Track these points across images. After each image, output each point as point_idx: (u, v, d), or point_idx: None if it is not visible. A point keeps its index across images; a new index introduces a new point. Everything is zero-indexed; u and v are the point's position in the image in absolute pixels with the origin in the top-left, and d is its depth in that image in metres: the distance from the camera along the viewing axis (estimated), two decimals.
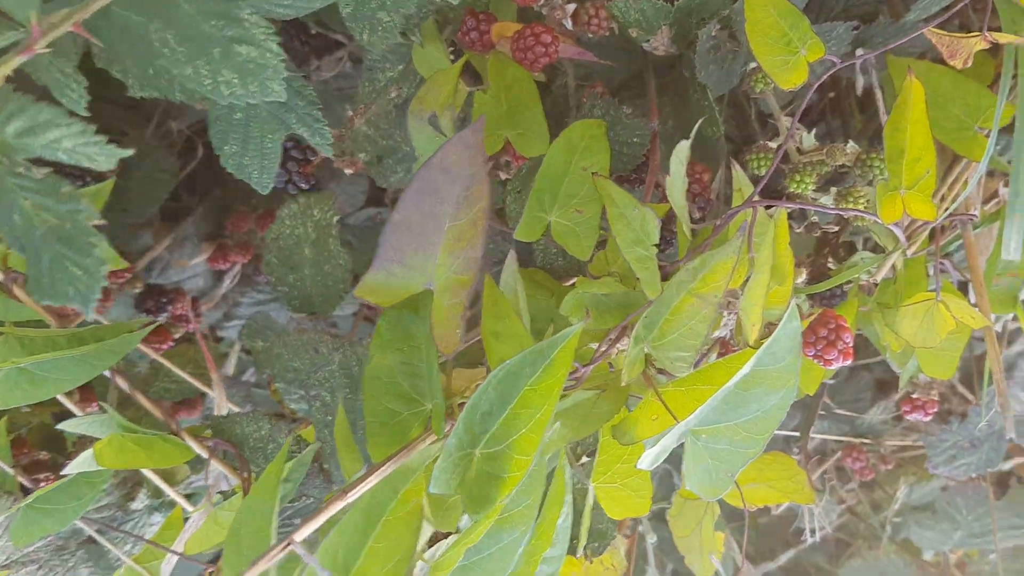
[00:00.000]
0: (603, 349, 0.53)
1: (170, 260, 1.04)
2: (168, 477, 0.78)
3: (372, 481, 0.49)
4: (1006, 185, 0.73)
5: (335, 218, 0.84)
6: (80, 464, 0.62)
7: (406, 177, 0.81)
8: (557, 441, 0.55)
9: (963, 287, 0.80)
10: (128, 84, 0.43)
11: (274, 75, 0.39)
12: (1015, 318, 0.74)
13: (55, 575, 0.73)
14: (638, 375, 0.54)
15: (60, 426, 0.64)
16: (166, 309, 0.94)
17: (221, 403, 0.74)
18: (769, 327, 0.55)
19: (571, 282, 0.64)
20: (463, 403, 0.54)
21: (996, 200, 0.74)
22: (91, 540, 0.77)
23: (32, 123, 0.33)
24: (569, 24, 0.61)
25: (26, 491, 0.70)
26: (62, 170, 0.37)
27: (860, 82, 0.70)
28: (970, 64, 0.51)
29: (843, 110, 0.88)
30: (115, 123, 1.04)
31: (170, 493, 0.69)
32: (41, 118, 0.33)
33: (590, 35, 0.63)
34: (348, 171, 0.65)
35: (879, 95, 0.66)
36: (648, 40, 0.62)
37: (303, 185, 0.62)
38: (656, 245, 0.52)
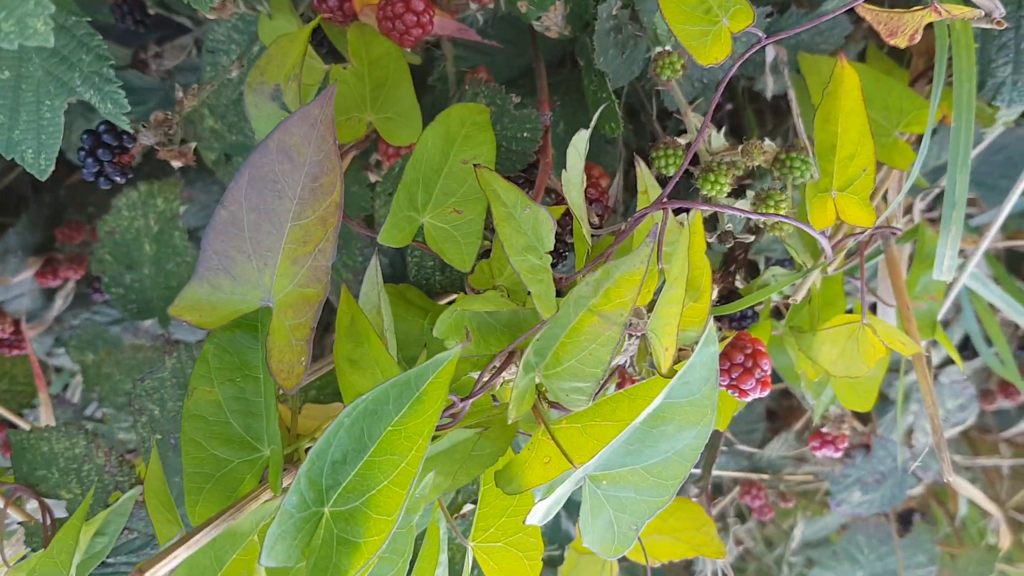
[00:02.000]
0: (486, 379, 0.43)
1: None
2: None
3: (190, 549, 0.38)
4: (922, 199, 0.68)
5: (181, 207, 0.73)
6: None
7: None
8: (430, 494, 0.44)
9: (872, 309, 0.74)
10: None
11: (38, 10, 0.28)
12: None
13: None
14: (527, 411, 0.44)
15: None
16: None
17: (48, 419, 0.61)
18: (680, 352, 0.47)
19: (450, 299, 0.55)
20: (310, 447, 0.43)
21: (908, 216, 0.69)
22: None
23: None
24: None
25: None
26: None
27: (770, 83, 0.63)
28: (917, 41, 0.44)
29: (740, 120, 0.82)
30: None
31: None
32: None
33: (472, 6, 0.54)
34: (176, 163, 0.53)
35: (792, 95, 0.59)
36: (539, 18, 0.54)
37: (118, 179, 0.50)
38: (550, 254, 0.43)
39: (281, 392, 0.40)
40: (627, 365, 0.53)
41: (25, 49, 0.35)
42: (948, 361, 0.91)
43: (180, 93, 0.53)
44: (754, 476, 0.88)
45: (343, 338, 0.43)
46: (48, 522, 0.54)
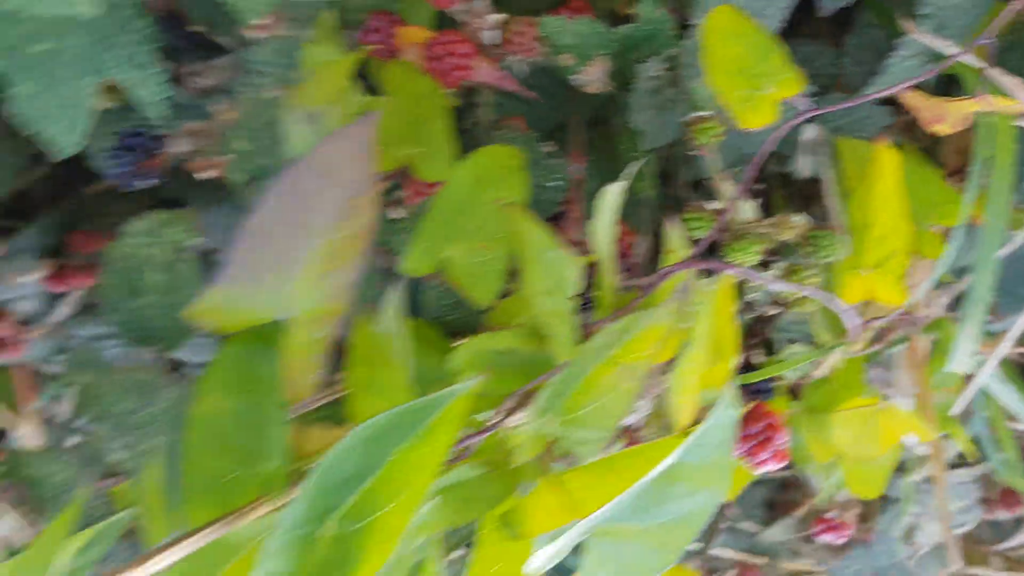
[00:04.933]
0: (502, 416, 0.43)
1: None
2: None
3: (183, 551, 0.37)
4: (945, 295, 0.67)
5: (196, 241, 0.72)
6: None
7: None
8: (431, 524, 0.43)
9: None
10: None
11: None
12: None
13: None
14: (537, 453, 0.43)
15: None
16: None
17: (33, 435, 0.60)
18: (698, 416, 0.46)
19: (462, 341, 0.54)
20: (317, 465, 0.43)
21: (929, 309, 0.68)
22: None
23: None
24: (490, 38, 0.53)
25: None
26: None
27: (806, 162, 0.63)
28: (962, 128, 0.44)
29: (768, 201, 0.82)
30: None
31: None
32: None
33: (515, 56, 0.55)
34: (203, 175, 0.54)
35: (827, 177, 0.60)
36: (580, 71, 0.54)
37: (141, 182, 0.50)
38: (574, 299, 0.43)
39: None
40: (635, 426, 0.52)
41: (69, 21, 0.35)
42: (952, 465, 0.90)
43: (217, 106, 0.54)
44: (752, 560, 0.87)
45: (359, 362, 0.43)
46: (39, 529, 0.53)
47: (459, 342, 0.55)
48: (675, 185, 0.62)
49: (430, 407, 0.38)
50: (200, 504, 0.40)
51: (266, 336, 0.41)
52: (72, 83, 0.36)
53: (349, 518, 0.38)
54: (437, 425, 0.38)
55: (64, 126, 0.37)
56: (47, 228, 0.93)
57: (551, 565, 0.43)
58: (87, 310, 0.97)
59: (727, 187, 0.54)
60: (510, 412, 0.43)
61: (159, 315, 0.73)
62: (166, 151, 0.50)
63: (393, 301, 0.44)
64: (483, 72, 0.53)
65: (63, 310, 0.95)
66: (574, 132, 0.57)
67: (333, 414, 0.49)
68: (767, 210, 0.75)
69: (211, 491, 0.40)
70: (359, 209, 0.40)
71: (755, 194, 0.70)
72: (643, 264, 0.62)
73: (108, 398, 0.70)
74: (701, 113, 0.53)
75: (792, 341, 0.65)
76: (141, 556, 0.36)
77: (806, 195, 0.81)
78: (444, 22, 0.56)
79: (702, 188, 0.61)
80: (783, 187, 0.80)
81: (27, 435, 0.67)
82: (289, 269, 0.41)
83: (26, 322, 0.92)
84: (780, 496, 1.11)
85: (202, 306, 0.41)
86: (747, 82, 0.44)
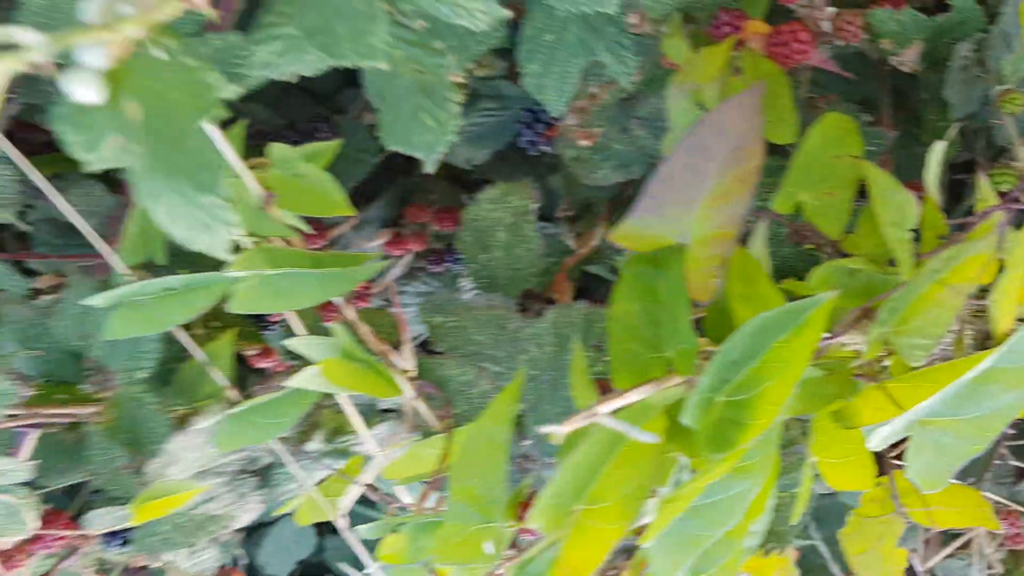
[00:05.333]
0: (849, 322, 0.54)
1: (352, 239, 1.09)
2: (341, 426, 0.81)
3: (624, 400, 0.51)
4: None
5: (534, 205, 0.88)
6: (304, 380, 0.65)
7: (610, 174, 0.83)
8: (786, 411, 0.55)
9: None
10: None
11: (378, 28, 0.40)
12: None
13: (233, 494, 0.76)
14: (875, 356, 0.54)
15: (286, 343, 0.67)
16: None
17: (410, 362, 0.77)
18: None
19: None
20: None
21: None
22: (265, 468, 0.80)
23: None
24: (826, 27, 0.64)
25: None
26: None
27: None
28: None
29: None
30: (311, 111, 1.11)
31: (360, 428, 0.72)
32: None
33: (838, 43, 0.66)
34: (583, 142, 0.68)
35: None
36: (898, 53, 0.65)
37: (544, 147, 0.65)
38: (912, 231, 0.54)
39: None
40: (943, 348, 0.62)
41: (568, 17, 0.49)
42: None
43: (594, 88, 0.68)
44: (1014, 506, 0.93)
45: (736, 279, 0.55)
46: (447, 416, 0.69)
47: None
48: (975, 150, 0.71)
49: (801, 310, 0.50)
50: (622, 373, 0.53)
51: (670, 255, 0.55)
52: (565, 63, 0.50)
53: (740, 389, 0.50)
54: (806, 324, 0.50)
55: (556, 94, 0.51)
56: (385, 204, 1.12)
57: (887, 444, 0.54)
58: (410, 272, 1.16)
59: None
60: (855, 321, 0.55)
61: (503, 266, 0.89)
62: (560, 123, 0.65)
63: (761, 232, 0.56)
64: (813, 56, 0.65)
65: (396, 270, 1.14)
66: (884, 104, 0.68)
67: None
68: None
69: (629, 367, 0.54)
70: (747, 156, 0.53)
71: None
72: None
73: (467, 331, 0.86)
74: (1007, 87, 0.63)
75: None
76: (590, 405, 0.51)
77: None
78: (774, 14, 0.68)
79: (1001, 153, 0.70)
80: None
81: (406, 360, 0.84)
82: (687, 205, 0.54)
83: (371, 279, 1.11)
84: None
85: (621, 231, 0.55)
86: None
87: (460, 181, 1.16)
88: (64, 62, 0.32)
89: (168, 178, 0.36)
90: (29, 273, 0.89)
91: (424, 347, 0.97)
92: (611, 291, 0.56)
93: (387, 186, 1.13)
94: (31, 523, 0.70)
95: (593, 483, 0.50)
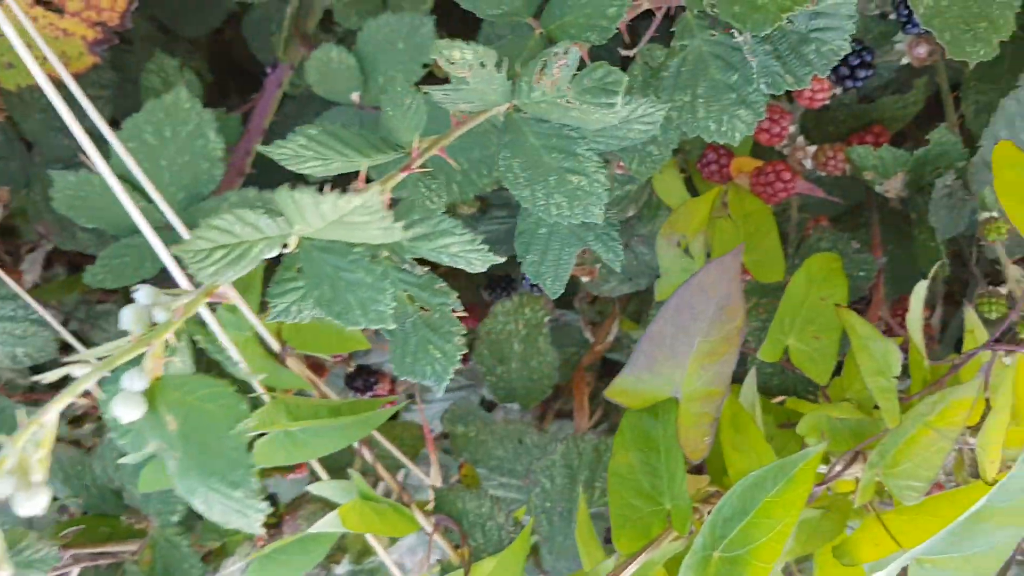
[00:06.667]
0: (839, 469, 0.56)
1: (377, 342, 1.12)
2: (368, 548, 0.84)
3: (627, 571, 0.53)
4: None
5: (546, 318, 0.91)
6: (324, 524, 0.68)
7: (618, 287, 0.86)
8: (787, 555, 0.57)
9: None
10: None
11: (597, 201, 0.44)
12: None
13: None
14: (869, 499, 0.56)
15: (310, 487, 0.70)
16: (372, 388, 1.02)
17: (436, 477, 0.80)
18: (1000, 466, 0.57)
19: (779, 399, 0.68)
20: (694, 507, 0.58)
21: None
22: None
23: (431, 230, 0.40)
24: (808, 164, 0.66)
25: None
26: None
27: None
28: None
29: None
30: None
31: (385, 559, 0.74)
32: (441, 227, 0.40)
33: (822, 174, 0.68)
34: (585, 279, 0.71)
35: None
36: (881, 183, 0.67)
37: None
38: (896, 377, 0.56)
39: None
40: (942, 476, 0.63)
41: (558, 225, 0.53)
42: None
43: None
44: None
45: (727, 427, 0.57)
46: (464, 550, 0.72)
47: (777, 399, 0.68)
48: (966, 266, 0.73)
49: (790, 465, 0.52)
50: (624, 533, 0.56)
51: (663, 410, 0.57)
52: (559, 253, 0.53)
53: (733, 545, 0.52)
54: (796, 478, 0.52)
55: (552, 279, 0.54)
56: None
57: None
58: None
59: (1014, 271, 0.65)
60: (847, 465, 0.57)
61: (519, 377, 0.91)
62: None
63: (751, 382, 0.59)
64: (799, 186, 0.67)
65: None
66: (874, 229, 0.69)
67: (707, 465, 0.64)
68: None
69: (629, 523, 0.56)
70: (731, 316, 0.55)
71: None
72: (936, 333, 0.73)
73: (488, 445, 0.89)
74: (990, 214, 0.64)
75: None
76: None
77: None
78: (757, 150, 0.71)
79: (989, 269, 0.72)
80: None
81: (433, 475, 0.87)
82: (677, 361, 0.56)
83: (394, 379, 1.14)
84: None
85: (616, 388, 0.57)
86: None
87: (478, 276, 1.18)
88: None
89: (203, 477, 0.41)
90: None
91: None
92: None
93: None
94: None
95: None
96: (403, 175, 0.42)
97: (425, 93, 0.42)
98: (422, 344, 0.45)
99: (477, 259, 0.42)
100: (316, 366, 0.80)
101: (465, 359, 1.12)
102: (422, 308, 0.44)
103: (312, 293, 0.40)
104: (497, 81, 0.41)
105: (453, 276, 1.15)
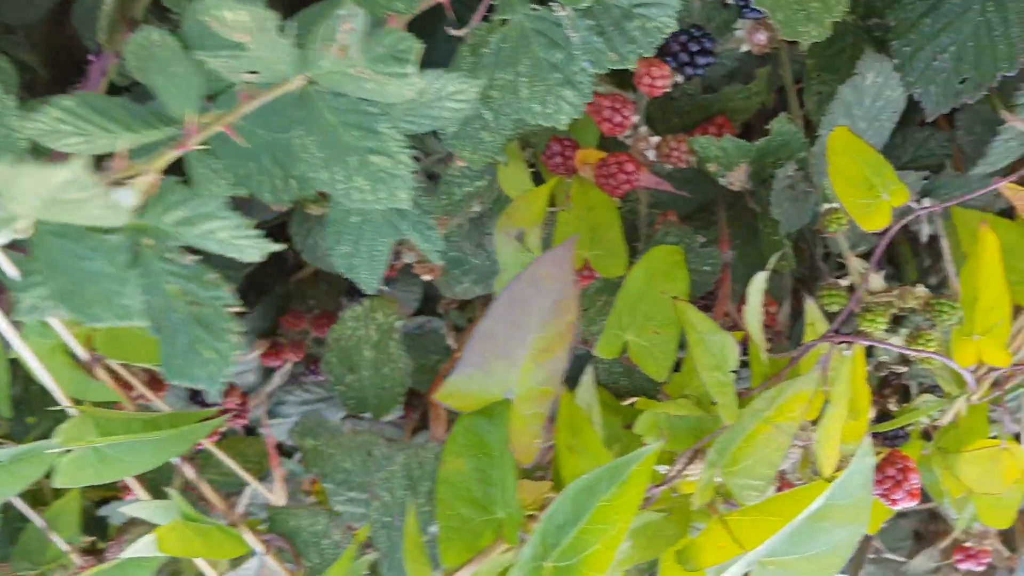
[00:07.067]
0: (678, 469, 0.54)
1: None
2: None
3: None
4: None
5: (398, 322, 0.86)
6: (140, 548, 0.62)
7: (471, 287, 0.83)
8: (625, 561, 0.55)
9: (1016, 438, 0.80)
10: (262, 196, 0.45)
11: (403, 184, 0.41)
12: None
13: None
14: (708, 500, 0.54)
15: (123, 509, 0.64)
16: (219, 402, 0.95)
17: (280, 495, 0.75)
18: (840, 462, 0.56)
19: (630, 401, 0.65)
20: (531, 515, 0.55)
21: None
22: None
23: (192, 213, 0.35)
24: (652, 156, 0.64)
25: None
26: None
27: (925, 230, 0.72)
28: None
29: (897, 258, 0.90)
30: None
31: None
32: (203, 210, 0.35)
33: (667, 166, 0.66)
34: (426, 277, 0.67)
35: (944, 244, 0.68)
36: (725, 175, 0.65)
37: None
38: (735, 372, 0.54)
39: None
40: (786, 472, 0.62)
41: (371, 213, 0.48)
42: None
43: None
44: None
45: (563, 429, 0.54)
46: (299, 572, 0.67)
47: (628, 401, 0.66)
48: (810, 258, 0.72)
49: (624, 466, 0.49)
50: (452, 545, 0.52)
51: (491, 413, 0.54)
52: (373, 243, 0.49)
53: (566, 554, 0.49)
54: (630, 480, 0.49)
55: (367, 272, 0.50)
56: (265, 312, 1.09)
57: None
58: (292, 379, 1.13)
59: (856, 263, 0.64)
60: (686, 464, 0.54)
61: (371, 386, 0.87)
62: (399, 261, 0.64)
63: (587, 380, 0.56)
64: (645, 179, 0.65)
65: (276, 380, 1.12)
66: (721, 223, 0.68)
67: (544, 468, 0.61)
68: (896, 262, 0.83)
69: (459, 535, 0.52)
70: (564, 311, 0.52)
71: (883, 263, 0.79)
72: (784, 328, 0.72)
73: (335, 458, 0.84)
74: (831, 205, 0.63)
75: (925, 389, 0.73)
76: None
77: (932, 249, 0.90)
78: (605, 142, 0.68)
79: (832, 261, 0.71)
80: (911, 241, 0.88)
81: (276, 493, 0.81)
82: (511, 359, 0.53)
83: (246, 392, 1.08)
84: (927, 527, 1.17)
85: (446, 391, 0.53)
86: (865, 192, 0.54)
87: (340, 283, 1.13)
88: None
89: None
90: None
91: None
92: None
93: (261, 296, 1.11)
94: None
95: None
96: (177, 152, 0.37)
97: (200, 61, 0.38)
98: (192, 344, 0.40)
99: (249, 246, 0.37)
100: (155, 380, 0.74)
101: (315, 369, 1.07)
102: (192, 303, 0.39)
103: (51, 285, 0.35)
104: (282, 49, 0.37)
105: (314, 283, 1.10)
